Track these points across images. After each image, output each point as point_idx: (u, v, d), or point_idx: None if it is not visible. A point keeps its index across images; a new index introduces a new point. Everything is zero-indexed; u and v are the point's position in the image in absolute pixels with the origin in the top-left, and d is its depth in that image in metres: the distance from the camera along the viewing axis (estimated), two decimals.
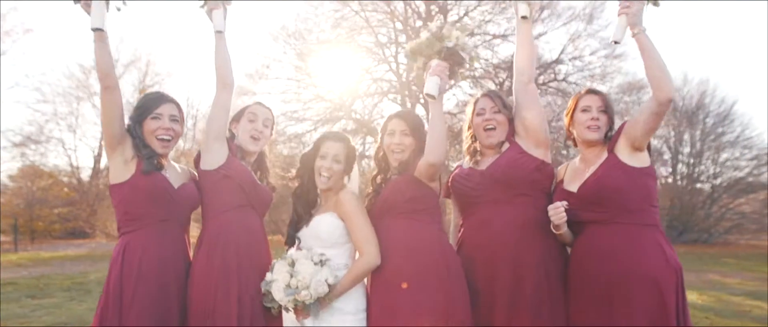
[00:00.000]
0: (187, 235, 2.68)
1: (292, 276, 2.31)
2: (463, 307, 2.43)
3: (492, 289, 2.52)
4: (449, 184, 2.80)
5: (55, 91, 24.01)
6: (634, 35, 2.48)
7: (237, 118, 2.82)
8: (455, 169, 2.82)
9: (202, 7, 2.73)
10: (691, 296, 8.48)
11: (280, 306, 2.38)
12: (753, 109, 43.42)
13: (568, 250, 2.64)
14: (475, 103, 2.83)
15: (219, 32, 2.68)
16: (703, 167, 21.64)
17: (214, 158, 2.62)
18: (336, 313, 2.42)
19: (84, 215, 22.61)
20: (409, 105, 22.52)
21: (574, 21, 21.41)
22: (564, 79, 22.00)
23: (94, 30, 2.43)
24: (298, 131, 21.88)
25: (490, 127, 2.72)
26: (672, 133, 22.35)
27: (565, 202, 2.47)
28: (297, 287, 2.28)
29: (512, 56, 17.73)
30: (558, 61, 21.86)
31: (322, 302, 2.34)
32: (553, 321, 2.52)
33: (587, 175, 2.55)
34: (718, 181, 21.14)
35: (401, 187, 2.56)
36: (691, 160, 21.92)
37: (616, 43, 2.57)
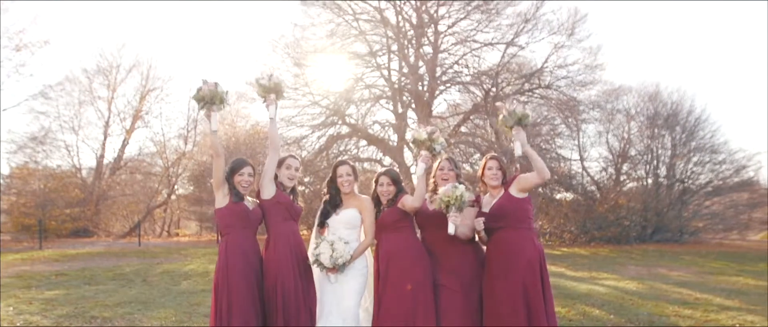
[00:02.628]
0: (256, 237, 4.70)
1: (333, 251, 4.35)
2: (428, 274, 4.47)
3: (441, 266, 4.55)
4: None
5: (59, 94, 25.83)
6: (524, 151, 4.49)
7: (279, 164, 4.80)
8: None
9: (264, 102, 4.73)
10: (631, 285, 10.61)
11: (323, 267, 4.40)
12: (722, 116, 47.37)
13: (484, 248, 4.68)
14: (439, 163, 4.79)
15: (272, 119, 4.68)
16: (675, 170, 23.85)
17: (269, 192, 4.63)
18: (351, 269, 4.48)
19: (89, 214, 24.50)
20: (400, 110, 24.58)
21: (556, 34, 23.42)
22: (548, 87, 24.03)
23: (213, 132, 4.45)
24: (296, 135, 23.86)
25: (445, 178, 4.72)
26: (650, 139, 24.52)
27: (483, 218, 4.52)
28: (337, 256, 4.34)
29: (497, 64, 19.91)
30: (542, 70, 23.87)
31: (346, 264, 4.40)
32: (480, 285, 4.57)
33: (493, 202, 4.60)
34: (688, 184, 23.37)
35: (391, 214, 4.57)
36: (671, 162, 24.13)
37: (518, 156, 4.50)
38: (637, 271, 13.06)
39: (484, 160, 4.75)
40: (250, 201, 4.70)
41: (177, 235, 29.10)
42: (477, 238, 4.63)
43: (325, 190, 4.83)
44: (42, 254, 15.35)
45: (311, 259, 4.49)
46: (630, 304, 8.52)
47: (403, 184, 4.74)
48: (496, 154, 4.77)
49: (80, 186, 24.48)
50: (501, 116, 4.60)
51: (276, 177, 4.74)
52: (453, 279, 4.48)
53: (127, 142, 27.48)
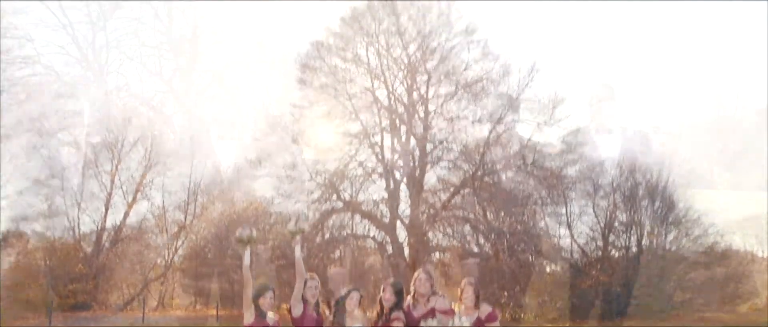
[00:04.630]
0: None
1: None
2: None
3: None
4: None
5: (64, 166, 27.57)
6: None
7: (303, 286, 6.52)
8: None
9: (291, 239, 6.52)
10: None
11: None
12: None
13: None
14: (418, 274, 6.57)
15: (298, 258, 6.46)
16: (657, 243, 25.57)
17: (298, 311, 6.33)
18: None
19: (89, 288, 25.71)
20: (392, 186, 26.57)
21: (539, 115, 25.88)
22: (532, 164, 26.20)
23: (245, 266, 6.23)
24: (294, 210, 25.59)
25: (423, 291, 6.48)
26: (632, 211, 26.34)
27: None
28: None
29: (484, 141, 22.55)
30: (525, 147, 26.07)
31: None
32: None
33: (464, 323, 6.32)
34: (669, 258, 25.04)
35: None
36: (650, 233, 25.87)
37: None
38: None
39: (463, 282, 6.44)
40: (271, 317, 6.42)
41: (171, 306, 30.11)
42: None
43: (334, 306, 6.52)
44: None
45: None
46: None
47: (404, 293, 6.44)
48: (472, 281, 6.47)
49: (83, 260, 25.77)
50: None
51: (302, 296, 6.46)
52: None
53: (128, 215, 28.94)
